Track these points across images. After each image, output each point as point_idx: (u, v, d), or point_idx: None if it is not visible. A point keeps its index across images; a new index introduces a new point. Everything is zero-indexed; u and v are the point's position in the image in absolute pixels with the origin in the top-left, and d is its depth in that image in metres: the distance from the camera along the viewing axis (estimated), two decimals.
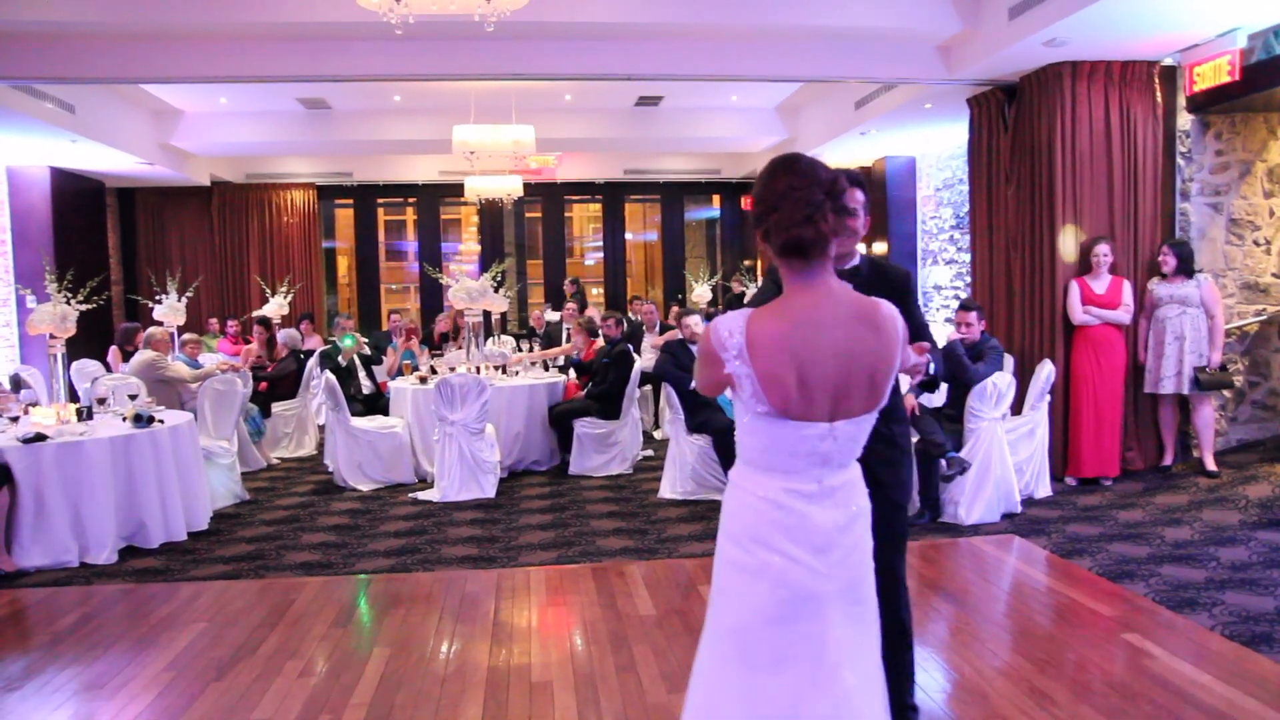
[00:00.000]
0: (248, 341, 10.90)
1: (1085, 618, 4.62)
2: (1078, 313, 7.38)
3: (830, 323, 2.10)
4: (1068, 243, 7.46)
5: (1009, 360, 7.56)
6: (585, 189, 15.94)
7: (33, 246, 11.28)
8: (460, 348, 9.74)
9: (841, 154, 11.92)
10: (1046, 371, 7.00)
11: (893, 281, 3.07)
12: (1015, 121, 8.02)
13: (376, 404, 9.02)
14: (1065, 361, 7.49)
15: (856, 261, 3.07)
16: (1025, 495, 6.77)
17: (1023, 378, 7.29)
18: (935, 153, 11.88)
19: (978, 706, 3.65)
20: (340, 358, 9.28)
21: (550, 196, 15.64)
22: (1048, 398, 7.05)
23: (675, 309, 12.90)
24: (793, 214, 2.09)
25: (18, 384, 8.47)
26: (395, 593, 5.21)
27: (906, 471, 3.11)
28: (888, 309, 2.17)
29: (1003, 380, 6.54)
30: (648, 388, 9.94)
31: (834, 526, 2.18)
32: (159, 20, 7.30)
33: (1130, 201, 7.56)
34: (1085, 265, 7.43)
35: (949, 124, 10.11)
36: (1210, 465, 7.19)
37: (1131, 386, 7.50)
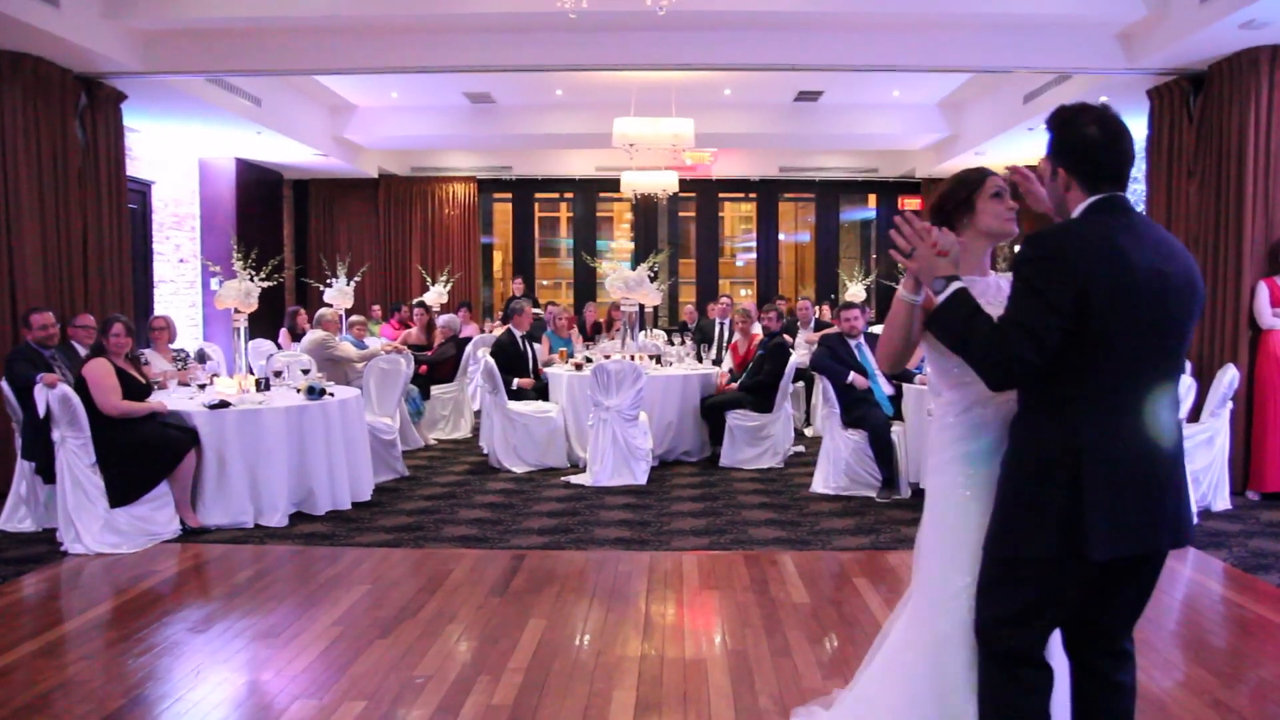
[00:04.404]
0: (409, 327, 11.30)
1: (1273, 633, 4.32)
2: (1266, 315, 6.93)
3: None
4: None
5: (1187, 365, 7.15)
6: (739, 186, 15.85)
7: (219, 233, 12.08)
8: (613, 339, 9.83)
9: (1006, 152, 11.52)
10: (1229, 377, 6.58)
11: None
12: (1201, 112, 7.58)
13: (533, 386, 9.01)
14: (1249, 367, 7.04)
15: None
16: (1201, 507, 6.39)
17: (1202, 383, 6.88)
18: None
19: (1155, 717, 3.46)
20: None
21: (704, 193, 15.62)
22: (1229, 405, 6.63)
23: (825, 307, 12.79)
24: None
25: (203, 357, 9.02)
26: (549, 569, 5.30)
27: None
28: None
29: (1180, 384, 6.18)
30: (800, 383, 9.83)
31: None
32: (340, 14, 7.66)
33: None
34: (1276, 265, 6.97)
35: (1125, 117, 9.53)
36: None
37: None
